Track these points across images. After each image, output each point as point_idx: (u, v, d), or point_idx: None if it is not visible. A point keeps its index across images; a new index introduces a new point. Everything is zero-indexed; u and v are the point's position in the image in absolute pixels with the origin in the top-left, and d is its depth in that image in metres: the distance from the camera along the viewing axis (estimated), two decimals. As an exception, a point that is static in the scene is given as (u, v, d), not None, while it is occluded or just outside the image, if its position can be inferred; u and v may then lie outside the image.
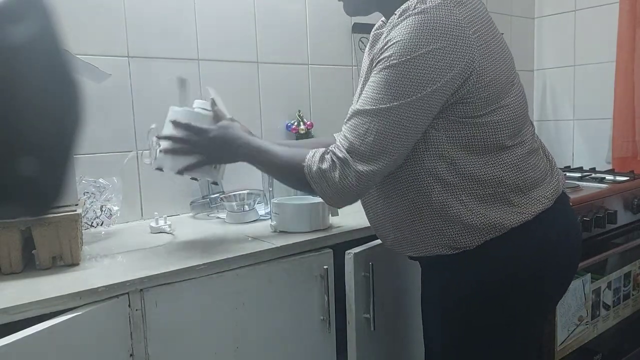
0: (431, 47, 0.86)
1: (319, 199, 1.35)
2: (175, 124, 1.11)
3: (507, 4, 2.43)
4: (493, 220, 0.93)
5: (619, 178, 1.95)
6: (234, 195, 1.54)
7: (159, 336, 0.99)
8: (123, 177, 1.40)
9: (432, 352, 1.09)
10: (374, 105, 0.89)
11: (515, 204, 0.93)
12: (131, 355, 0.95)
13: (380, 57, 0.90)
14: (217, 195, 1.54)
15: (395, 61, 0.87)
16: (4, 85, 0.37)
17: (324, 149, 0.96)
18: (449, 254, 0.97)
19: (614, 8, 2.17)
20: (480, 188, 0.93)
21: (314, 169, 0.94)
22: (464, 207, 0.93)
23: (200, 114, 1.15)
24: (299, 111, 1.81)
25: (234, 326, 1.09)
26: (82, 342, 0.88)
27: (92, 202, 1.32)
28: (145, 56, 1.50)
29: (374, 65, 0.93)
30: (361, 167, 0.90)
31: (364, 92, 0.93)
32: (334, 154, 0.93)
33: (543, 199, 0.95)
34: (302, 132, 1.78)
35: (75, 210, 1.06)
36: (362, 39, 1.97)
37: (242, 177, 1.69)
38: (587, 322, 1.71)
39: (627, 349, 1.93)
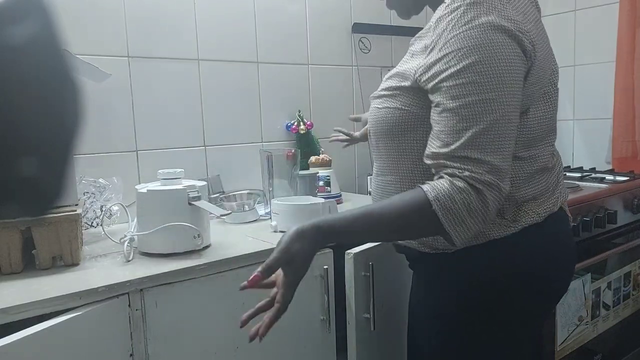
0: (498, 36, 0.80)
1: (318, 200, 1.35)
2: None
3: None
4: None
5: (619, 178, 1.95)
6: (234, 195, 1.54)
7: (159, 336, 0.99)
8: (124, 177, 1.40)
9: (416, 353, 1.08)
10: (495, 112, 0.80)
11: (506, 217, 0.89)
12: (131, 355, 0.95)
13: (445, 53, 0.82)
14: (217, 195, 1.54)
15: (474, 57, 0.80)
16: (3, 85, 0.37)
17: (445, 181, 0.81)
18: (428, 252, 0.94)
19: (614, 8, 2.17)
20: None
21: (453, 207, 0.79)
22: None
23: None
24: (299, 111, 1.81)
25: (234, 326, 1.08)
26: (82, 342, 0.88)
27: (92, 202, 1.32)
28: (145, 56, 1.50)
29: (427, 57, 0.85)
30: (505, 185, 0.81)
31: (458, 103, 0.81)
32: (477, 180, 0.80)
33: (533, 214, 0.91)
34: (302, 132, 1.78)
35: (75, 210, 1.06)
36: (362, 39, 1.97)
37: (241, 177, 1.69)
38: (587, 322, 1.71)
39: (627, 349, 1.93)
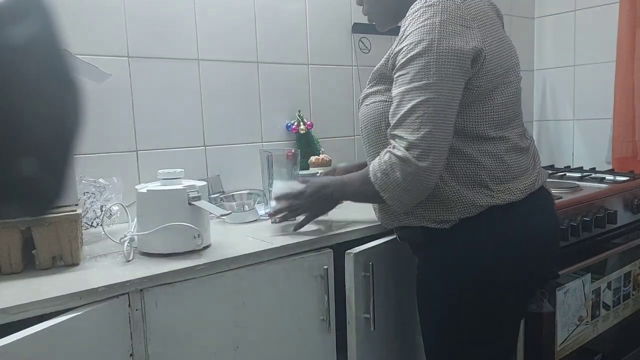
0: (445, 33, 0.94)
1: None
2: (276, 198, 1.23)
3: (507, 4, 2.44)
4: (466, 198, 1.01)
5: (619, 178, 1.95)
6: (234, 195, 1.54)
7: (159, 336, 0.99)
8: (124, 177, 1.40)
9: (426, 337, 1.16)
10: (419, 97, 0.95)
11: (491, 188, 1.01)
12: (131, 355, 0.95)
13: (400, 48, 0.98)
14: (217, 195, 1.54)
15: (417, 50, 0.95)
16: (4, 85, 0.37)
17: (378, 156, 1.01)
18: (431, 227, 1.05)
19: (614, 8, 2.17)
20: (460, 167, 1.01)
21: (379, 176, 1.00)
22: (442, 182, 1.02)
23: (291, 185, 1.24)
24: (299, 111, 1.81)
25: (234, 326, 1.09)
26: (82, 342, 0.88)
27: (92, 202, 1.32)
28: (145, 56, 1.50)
29: (394, 54, 1.01)
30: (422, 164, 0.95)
31: (398, 91, 0.98)
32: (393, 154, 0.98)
33: (516, 190, 1.02)
34: (302, 132, 1.78)
35: (75, 210, 1.06)
36: (362, 39, 1.97)
37: (241, 177, 1.69)
38: (587, 322, 1.71)
39: (627, 349, 1.93)
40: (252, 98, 1.73)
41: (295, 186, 1.20)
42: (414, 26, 0.96)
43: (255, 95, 1.74)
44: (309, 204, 1.18)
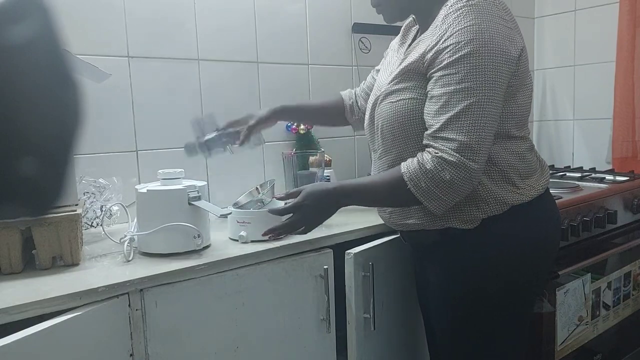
0: (494, 33, 0.95)
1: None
2: (272, 212, 1.08)
3: (507, 4, 2.43)
4: (496, 194, 1.02)
5: (619, 178, 1.95)
6: (249, 193, 1.46)
7: (159, 336, 0.99)
8: (124, 177, 1.40)
9: (438, 337, 1.16)
10: (471, 98, 0.94)
11: (517, 185, 1.04)
12: (131, 355, 0.95)
13: (445, 46, 0.96)
14: (215, 134, 1.39)
15: (467, 49, 0.94)
16: (4, 85, 0.37)
17: (416, 159, 0.98)
18: (457, 227, 1.04)
19: (614, 8, 2.17)
20: (490, 165, 1.02)
21: (422, 185, 0.96)
22: None
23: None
24: (299, 111, 1.81)
25: (234, 326, 1.09)
26: (82, 342, 0.88)
27: (92, 202, 1.32)
28: (145, 56, 1.50)
29: (431, 51, 0.99)
30: (474, 165, 0.95)
31: (445, 90, 0.96)
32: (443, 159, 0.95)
33: (538, 186, 1.07)
34: (302, 132, 1.78)
35: (75, 210, 1.06)
36: (362, 39, 1.97)
37: (242, 176, 1.69)
38: (587, 322, 1.71)
39: (627, 349, 1.93)
40: (252, 98, 1.73)
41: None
42: (459, 25, 0.95)
43: (255, 95, 1.74)
44: (310, 216, 1.05)
